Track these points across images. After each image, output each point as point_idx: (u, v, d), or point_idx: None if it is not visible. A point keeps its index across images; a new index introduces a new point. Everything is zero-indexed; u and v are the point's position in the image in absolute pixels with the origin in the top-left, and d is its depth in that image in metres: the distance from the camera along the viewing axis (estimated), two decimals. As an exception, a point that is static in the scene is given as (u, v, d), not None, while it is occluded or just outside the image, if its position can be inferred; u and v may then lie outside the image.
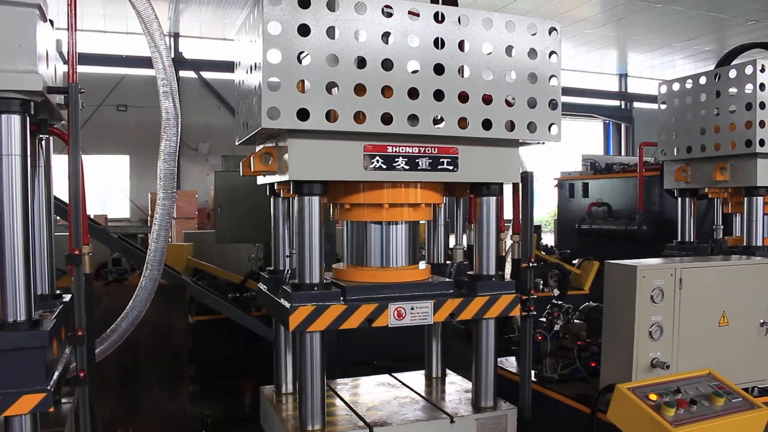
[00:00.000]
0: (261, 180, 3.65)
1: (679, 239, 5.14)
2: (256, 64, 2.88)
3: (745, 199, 4.50)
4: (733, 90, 4.42)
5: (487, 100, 3.13)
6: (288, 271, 3.53)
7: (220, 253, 7.28)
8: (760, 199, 4.47)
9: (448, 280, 3.43)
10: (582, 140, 25.22)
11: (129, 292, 3.17)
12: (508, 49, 3.18)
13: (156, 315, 4.56)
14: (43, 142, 3.06)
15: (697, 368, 3.23)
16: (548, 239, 13.86)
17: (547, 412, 3.76)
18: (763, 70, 4.24)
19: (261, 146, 3.38)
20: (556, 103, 3.29)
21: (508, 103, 3.19)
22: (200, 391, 6.11)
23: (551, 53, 3.28)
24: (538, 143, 3.39)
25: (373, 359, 6.20)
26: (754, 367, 3.66)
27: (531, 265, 3.48)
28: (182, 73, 18.31)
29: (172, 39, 18.04)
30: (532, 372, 3.92)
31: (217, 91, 18.98)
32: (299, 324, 2.98)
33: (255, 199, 5.81)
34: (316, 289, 3.04)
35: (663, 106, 5.09)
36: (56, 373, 2.57)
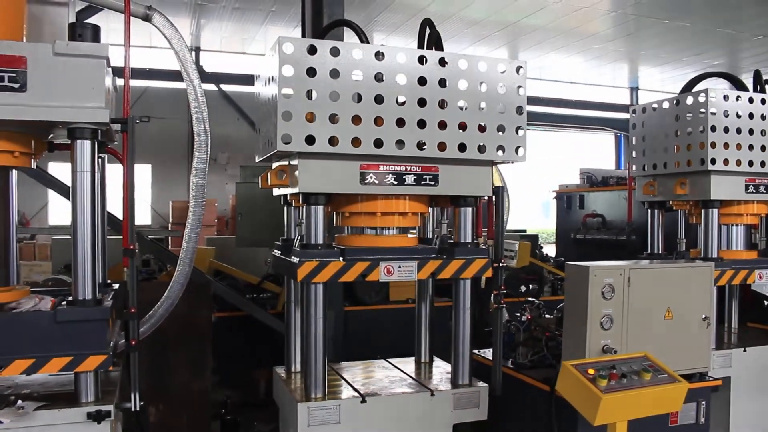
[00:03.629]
0: (276, 192, 4.33)
1: (648, 251, 5.70)
2: (273, 96, 3.56)
3: (702, 211, 5.08)
4: (689, 115, 5.02)
5: (462, 126, 3.77)
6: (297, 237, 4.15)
7: (239, 258, 7.93)
8: (715, 211, 5.04)
9: (431, 246, 4.02)
10: (594, 153, 25.70)
11: (158, 289, 3.72)
12: (481, 85, 3.81)
13: (184, 308, 5.22)
14: (100, 160, 3.76)
15: (644, 355, 3.80)
16: (551, 250, 14.34)
17: (518, 392, 4.37)
18: (714, 98, 4.84)
19: (276, 164, 4.06)
20: (522, 129, 3.92)
21: (481, 129, 3.83)
22: (220, 381, 6.77)
23: (518, 87, 3.92)
24: (508, 162, 4.02)
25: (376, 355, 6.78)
26: (696, 356, 4.25)
27: (501, 265, 4.11)
28: (203, 86, 18.95)
29: (193, 53, 18.73)
30: (509, 360, 4.55)
31: (236, 103, 19.50)
32: (306, 275, 3.61)
33: (271, 208, 6.44)
34: (320, 248, 3.68)
35: (635, 125, 5.69)
36: (111, 343, 3.25)
